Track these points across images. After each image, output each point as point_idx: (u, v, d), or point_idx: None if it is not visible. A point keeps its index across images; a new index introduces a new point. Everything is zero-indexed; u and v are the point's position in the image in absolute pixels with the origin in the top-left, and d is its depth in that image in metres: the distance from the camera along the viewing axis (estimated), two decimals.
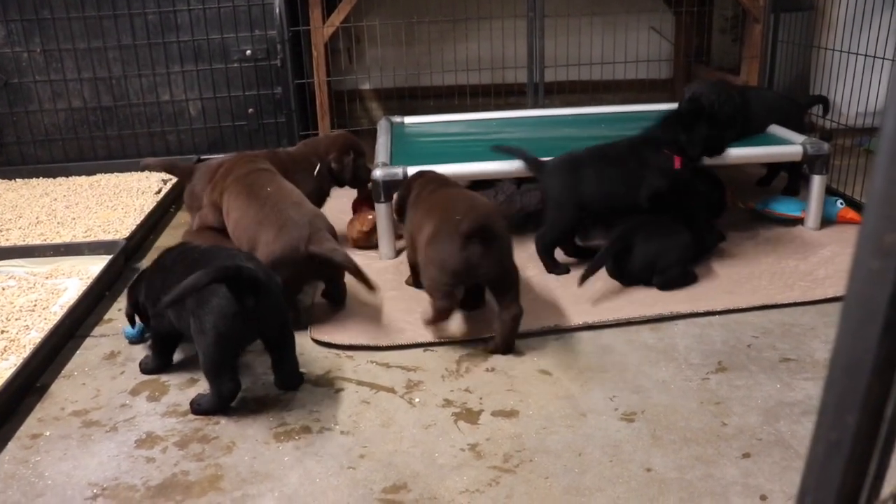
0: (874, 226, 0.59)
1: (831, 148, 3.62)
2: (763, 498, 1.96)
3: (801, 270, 3.22)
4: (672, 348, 2.70)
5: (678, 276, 3.12)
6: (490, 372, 2.60)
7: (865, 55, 4.02)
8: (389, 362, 2.69)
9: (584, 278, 3.05)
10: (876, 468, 0.67)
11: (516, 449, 2.19)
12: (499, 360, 2.67)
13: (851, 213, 3.71)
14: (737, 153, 3.57)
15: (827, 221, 3.65)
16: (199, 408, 2.39)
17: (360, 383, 2.56)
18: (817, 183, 3.56)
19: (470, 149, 3.86)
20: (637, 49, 5.28)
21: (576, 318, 2.89)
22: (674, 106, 4.03)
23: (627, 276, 3.16)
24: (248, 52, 4.88)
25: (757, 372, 2.52)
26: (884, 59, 3.96)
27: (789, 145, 3.61)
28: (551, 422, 2.31)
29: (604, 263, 3.12)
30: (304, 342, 2.80)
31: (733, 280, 3.16)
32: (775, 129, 3.83)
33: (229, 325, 2.26)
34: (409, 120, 4.47)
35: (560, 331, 2.83)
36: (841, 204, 3.73)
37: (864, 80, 4.03)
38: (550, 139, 4.05)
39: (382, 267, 3.47)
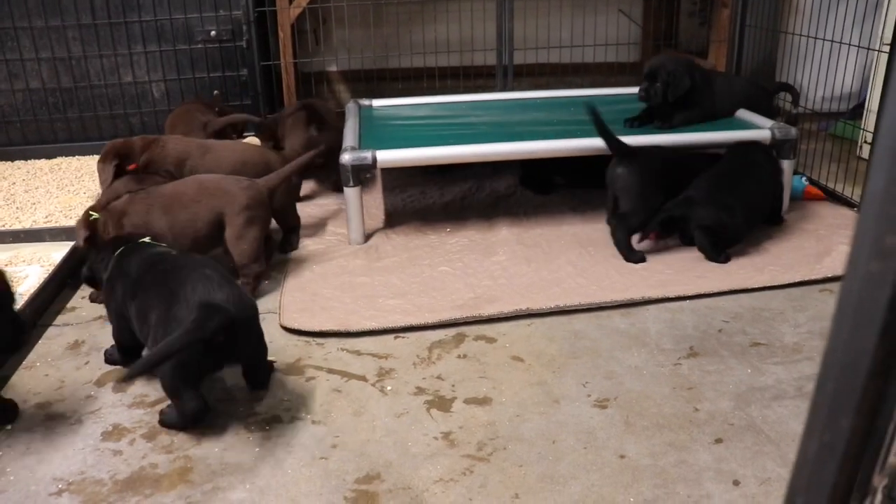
0: (873, 226, 0.57)
1: (798, 132, 3.65)
2: (736, 483, 1.97)
3: (770, 254, 3.25)
4: (644, 333, 2.70)
5: (722, 249, 3.22)
6: (462, 359, 2.59)
7: (832, 41, 4.04)
8: (360, 349, 2.66)
9: (640, 235, 3.32)
10: (867, 470, 0.66)
11: (490, 437, 2.18)
12: (471, 347, 2.65)
13: (815, 190, 3.86)
14: (704, 137, 3.60)
15: (793, 200, 3.69)
16: (164, 420, 2.25)
17: (330, 371, 2.53)
18: (786, 167, 3.58)
19: (439, 132, 3.82)
20: (606, 32, 5.27)
21: (547, 302, 2.88)
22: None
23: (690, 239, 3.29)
24: (213, 32, 4.77)
25: (728, 357, 2.54)
26: (849, 44, 3.98)
27: (757, 129, 3.62)
28: (524, 409, 2.30)
29: (659, 222, 3.25)
30: (273, 329, 2.76)
31: (704, 265, 3.17)
32: (743, 114, 3.84)
33: (192, 355, 2.09)
34: (377, 103, 4.42)
35: (532, 315, 2.83)
36: (805, 181, 3.79)
37: (830, 66, 4.06)
38: (519, 122, 4.03)
39: (351, 251, 3.43)
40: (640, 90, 3.67)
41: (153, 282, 2.24)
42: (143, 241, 2.53)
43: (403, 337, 2.74)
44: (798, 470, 0.70)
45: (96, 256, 2.57)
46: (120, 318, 2.39)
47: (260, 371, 2.43)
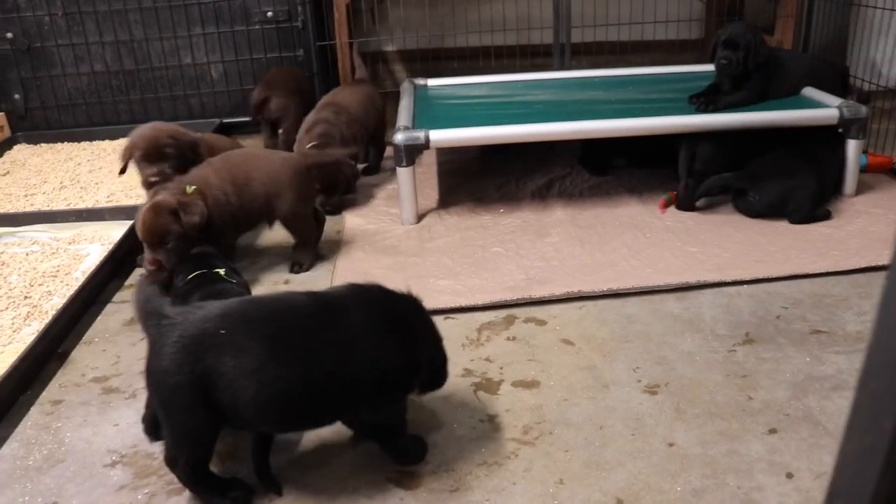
0: None
1: (869, 111, 3.49)
2: (789, 476, 1.90)
3: (834, 239, 3.12)
4: (698, 319, 2.63)
5: (810, 212, 3.28)
6: (511, 341, 2.56)
7: None
8: None
9: (698, 197, 3.43)
10: None
11: (536, 421, 2.16)
12: (520, 329, 2.62)
13: (879, 157, 3.76)
14: (769, 116, 3.47)
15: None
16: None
17: None
18: (853, 148, 3.44)
19: (494, 111, 3.78)
20: (667, 9, 5.11)
21: (600, 285, 2.83)
22: (706, 67, 3.93)
23: (754, 211, 3.34)
24: (270, 13, 4.81)
25: (786, 344, 2.46)
26: None
27: (824, 108, 3.48)
28: (573, 393, 2.27)
29: (719, 188, 3.40)
30: None
31: (763, 248, 3.07)
32: (810, 92, 3.69)
33: None
34: (432, 82, 4.39)
35: (584, 297, 2.78)
36: (865, 155, 3.66)
37: None
38: (576, 101, 3.96)
39: (403, 231, 3.43)
40: (719, 59, 3.53)
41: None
42: (217, 273, 2.41)
43: (453, 318, 2.72)
44: (838, 472, 0.66)
45: (177, 263, 2.54)
46: None
47: None
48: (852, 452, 0.62)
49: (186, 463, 1.83)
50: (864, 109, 3.43)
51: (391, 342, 1.86)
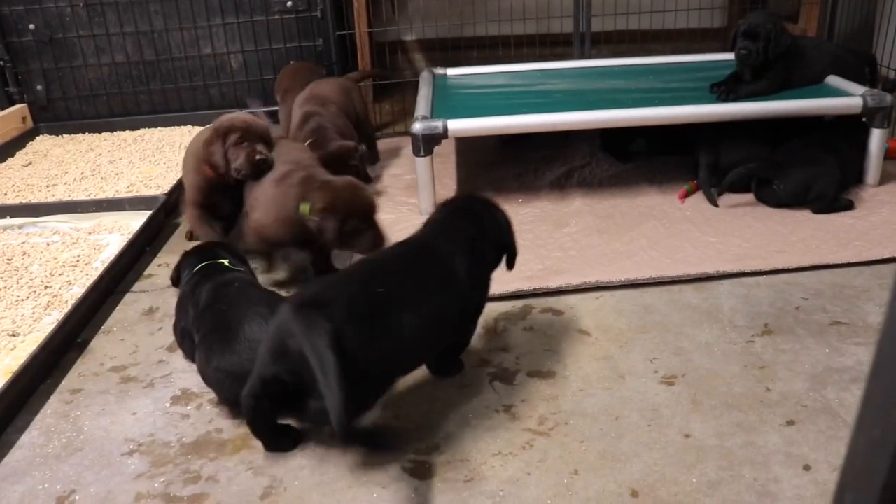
0: None
1: (894, 100, 3.43)
2: (807, 468, 1.88)
3: (857, 229, 3.08)
4: (716, 309, 2.61)
5: (833, 201, 3.25)
6: (528, 331, 2.55)
7: None
8: None
9: (718, 194, 3.37)
10: None
11: (552, 411, 2.15)
12: (537, 319, 2.61)
13: None
14: (791, 105, 3.42)
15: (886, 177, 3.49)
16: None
17: None
18: (877, 137, 3.38)
19: (513, 100, 3.76)
20: None
21: (618, 275, 2.81)
22: (727, 56, 3.88)
23: (777, 200, 3.31)
24: (289, 3, 4.80)
25: (805, 336, 2.43)
26: None
27: (848, 97, 3.42)
28: (589, 384, 2.26)
29: (739, 181, 3.35)
30: None
31: (783, 238, 3.04)
32: (834, 81, 3.63)
33: None
34: (451, 71, 4.37)
35: (601, 288, 2.76)
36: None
37: None
38: (597, 91, 3.92)
39: (422, 222, 3.41)
40: (739, 49, 3.48)
41: (212, 322, 2.19)
42: (222, 264, 2.42)
43: None
44: (848, 465, 0.65)
45: (183, 261, 2.52)
46: (186, 337, 2.33)
47: None
48: (862, 444, 0.61)
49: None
50: (888, 98, 3.37)
51: (476, 257, 2.19)
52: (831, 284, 2.71)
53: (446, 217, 2.28)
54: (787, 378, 2.22)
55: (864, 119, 3.38)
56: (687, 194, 3.47)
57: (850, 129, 3.42)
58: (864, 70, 3.79)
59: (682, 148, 3.78)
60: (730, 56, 3.78)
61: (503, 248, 2.32)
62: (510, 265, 2.35)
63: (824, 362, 2.29)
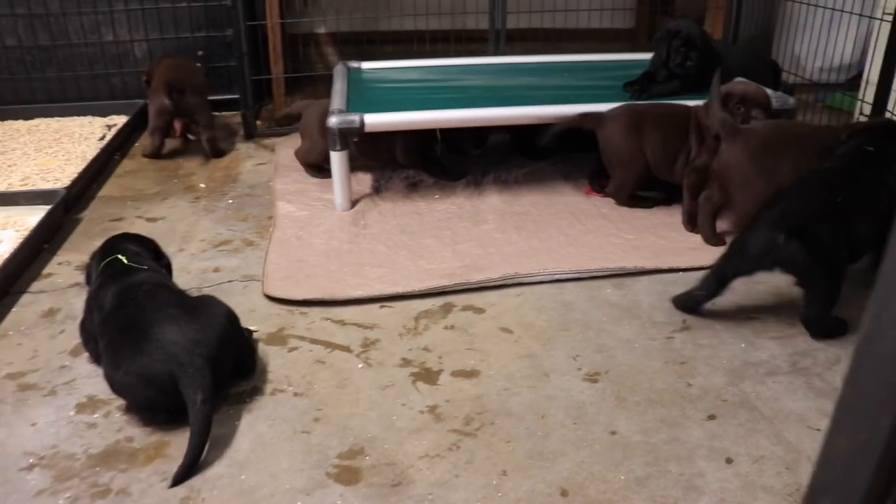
0: None
1: (796, 102, 3.56)
2: (729, 461, 1.92)
3: None
4: (636, 306, 2.64)
5: None
6: (449, 330, 2.52)
7: (832, 8, 3.94)
8: (345, 319, 2.59)
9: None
10: None
11: (477, 411, 2.12)
12: (458, 318, 2.58)
13: None
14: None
15: None
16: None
17: (314, 342, 2.46)
18: None
19: (428, 96, 3.72)
20: None
21: (536, 268, 2.82)
22: (639, 56, 3.95)
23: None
24: None
25: (722, 331, 2.48)
26: (850, 13, 3.89)
27: None
28: (513, 382, 2.24)
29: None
30: (255, 298, 2.69)
31: (697, 237, 3.10)
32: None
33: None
34: (366, 65, 4.30)
35: (521, 284, 2.76)
36: None
37: (828, 35, 3.97)
38: (511, 87, 3.93)
39: (337, 218, 3.34)
40: (682, 60, 3.52)
41: (118, 326, 2.10)
42: (120, 260, 2.31)
43: (389, 306, 2.66)
44: (823, 468, 0.63)
45: (93, 258, 2.42)
46: (90, 340, 2.25)
47: (246, 363, 2.30)
48: (843, 448, 0.59)
49: None
50: (791, 100, 3.50)
51: None
52: (744, 281, 2.77)
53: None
54: (706, 373, 2.26)
55: None
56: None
57: None
58: (769, 74, 3.93)
59: (592, 145, 3.81)
60: (640, 56, 3.86)
61: None
62: None
63: (741, 356, 2.34)
